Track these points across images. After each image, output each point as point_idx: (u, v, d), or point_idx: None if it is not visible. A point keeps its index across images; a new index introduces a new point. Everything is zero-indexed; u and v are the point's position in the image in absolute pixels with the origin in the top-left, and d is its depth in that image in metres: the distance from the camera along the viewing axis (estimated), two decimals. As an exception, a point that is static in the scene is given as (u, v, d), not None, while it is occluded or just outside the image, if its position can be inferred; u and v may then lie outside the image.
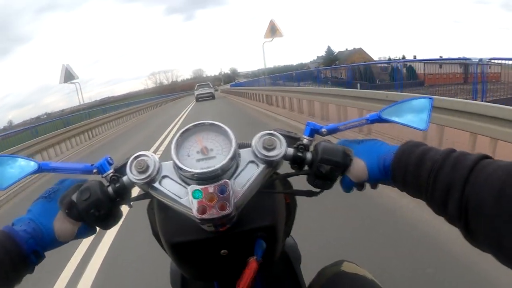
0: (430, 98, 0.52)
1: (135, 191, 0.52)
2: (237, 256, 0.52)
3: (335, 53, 61.37)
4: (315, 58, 68.61)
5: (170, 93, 53.86)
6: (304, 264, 0.74)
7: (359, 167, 0.48)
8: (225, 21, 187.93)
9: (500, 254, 0.32)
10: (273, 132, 0.49)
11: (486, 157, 0.37)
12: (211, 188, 0.45)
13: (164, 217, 0.53)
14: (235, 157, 0.46)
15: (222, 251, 0.52)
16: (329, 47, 64.50)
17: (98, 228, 0.51)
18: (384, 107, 0.51)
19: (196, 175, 0.45)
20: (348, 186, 0.50)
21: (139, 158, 0.48)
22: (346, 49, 62.05)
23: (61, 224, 0.47)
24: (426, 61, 9.40)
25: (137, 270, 2.27)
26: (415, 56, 32.00)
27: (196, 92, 26.36)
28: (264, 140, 0.48)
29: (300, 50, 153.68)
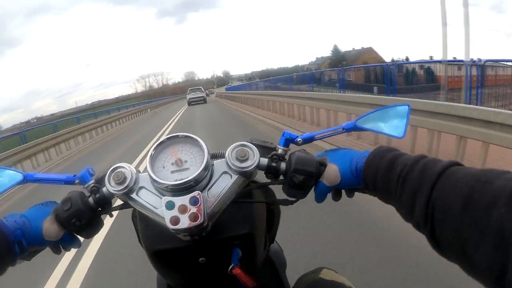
0: (407, 106, 0.54)
1: (117, 201, 0.55)
2: (215, 264, 0.55)
3: (342, 53, 59.59)
4: (314, 59, 67.96)
5: (160, 96, 52.74)
6: (289, 270, 0.78)
7: (332, 171, 0.51)
8: (217, 24, 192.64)
9: (465, 262, 0.33)
10: (246, 143, 0.52)
11: (456, 164, 0.39)
12: (183, 199, 0.47)
13: (144, 225, 0.57)
14: (207, 168, 0.49)
15: (200, 259, 0.55)
16: (335, 46, 61.87)
17: (81, 240, 0.55)
18: (360, 116, 0.54)
19: (170, 187, 0.48)
20: (322, 193, 0.53)
21: (117, 170, 0.51)
22: (353, 48, 60.27)
23: (49, 225, 0.51)
24: (450, 62, 7.89)
25: (124, 278, 2.30)
26: (431, 57, 30.06)
27: (188, 96, 27.66)
28: (237, 151, 0.51)
29: (295, 52, 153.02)
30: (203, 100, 26.78)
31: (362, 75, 12.55)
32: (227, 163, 0.51)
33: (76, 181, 0.56)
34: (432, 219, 0.36)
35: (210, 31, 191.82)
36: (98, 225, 0.55)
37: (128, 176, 0.51)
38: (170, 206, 0.47)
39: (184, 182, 0.47)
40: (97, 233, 0.55)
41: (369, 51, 57.26)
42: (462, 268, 0.33)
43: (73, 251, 2.67)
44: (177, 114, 18.50)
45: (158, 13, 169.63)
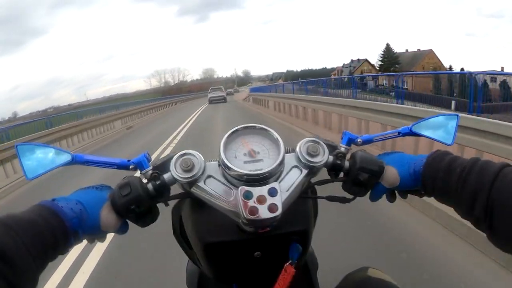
0: (456, 115, 0.60)
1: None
2: (270, 259, 0.59)
3: (396, 54, 53.82)
4: (348, 61, 63.93)
5: (176, 94, 49.53)
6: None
7: (392, 174, 0.57)
8: (239, 23, 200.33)
9: None
10: (316, 139, 0.57)
11: (508, 165, 0.45)
12: (262, 189, 0.50)
13: (198, 217, 0.59)
14: (283, 162, 0.53)
15: (256, 253, 0.58)
16: (388, 45, 55.98)
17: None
18: (415, 122, 0.60)
19: (245, 176, 0.50)
20: (378, 194, 0.59)
21: (185, 157, 0.53)
22: (407, 50, 54.95)
23: (107, 213, 0.52)
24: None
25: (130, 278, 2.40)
26: (502, 68, 27.96)
27: (209, 95, 31.10)
28: (309, 146, 0.55)
29: (321, 54, 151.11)
30: (224, 99, 30.15)
31: (427, 84, 10.38)
32: (297, 158, 0.55)
33: (131, 166, 0.56)
34: (491, 216, 0.42)
35: (231, 31, 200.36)
36: (156, 213, 0.56)
37: (197, 164, 0.53)
38: (248, 196, 0.49)
39: (261, 173, 0.50)
40: (153, 222, 0.56)
41: (429, 54, 50.34)
42: None
43: (75, 253, 2.74)
44: (179, 131, 11.28)
45: (180, 10, 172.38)
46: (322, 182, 0.61)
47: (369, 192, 0.59)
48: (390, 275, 0.71)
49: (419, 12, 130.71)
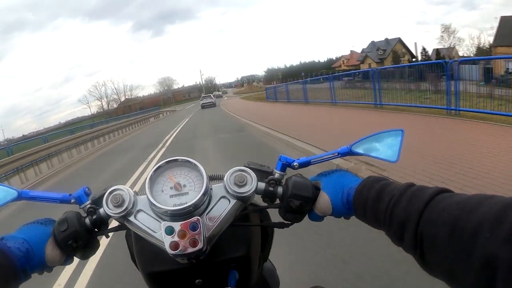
0: (401, 130, 0.59)
1: (113, 221, 0.59)
2: (212, 286, 0.59)
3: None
4: (344, 52, 59.63)
5: (123, 113, 43.99)
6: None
7: (324, 202, 0.56)
8: (196, 34, 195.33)
9: (453, 283, 0.37)
10: (244, 168, 0.57)
11: (443, 191, 0.43)
12: (182, 225, 0.51)
13: (140, 247, 0.61)
14: (206, 193, 0.54)
15: (197, 280, 0.59)
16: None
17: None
18: (355, 141, 0.59)
19: (169, 211, 0.51)
20: (314, 219, 0.58)
21: (115, 192, 0.54)
22: (373, 41, 50.61)
23: (51, 250, 0.54)
24: None
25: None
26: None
27: (201, 102, 37.08)
28: (236, 176, 0.55)
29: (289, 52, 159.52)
30: (213, 104, 34.68)
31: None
32: (225, 188, 0.55)
33: (72, 201, 0.58)
34: (421, 245, 0.40)
35: (189, 42, 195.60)
36: (94, 246, 0.59)
37: (126, 199, 0.54)
38: (169, 231, 0.50)
39: (183, 208, 0.51)
40: (93, 254, 0.59)
41: (398, 43, 48.83)
42: (450, 287, 0.38)
43: (72, 267, 2.79)
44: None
45: (134, 26, 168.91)
46: (256, 210, 0.62)
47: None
48: None
49: (370, 6, 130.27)
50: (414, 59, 46.05)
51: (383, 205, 0.46)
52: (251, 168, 0.57)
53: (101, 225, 0.56)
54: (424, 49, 47.23)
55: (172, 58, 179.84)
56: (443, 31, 43.63)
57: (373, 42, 54.20)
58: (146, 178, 0.55)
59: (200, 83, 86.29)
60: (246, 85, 78.97)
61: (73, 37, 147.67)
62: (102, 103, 73.44)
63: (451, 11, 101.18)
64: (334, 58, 71.11)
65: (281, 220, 0.60)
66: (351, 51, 63.28)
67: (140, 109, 46.62)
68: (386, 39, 52.01)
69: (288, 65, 76.62)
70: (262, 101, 25.48)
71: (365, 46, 55.69)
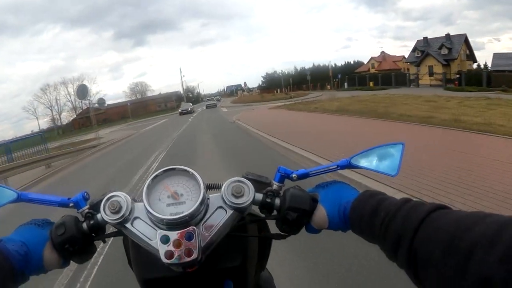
0: (401, 144, 0.58)
1: (111, 226, 0.60)
2: None
3: None
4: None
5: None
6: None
7: (320, 216, 0.56)
8: (177, 44, 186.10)
9: None
10: (241, 179, 0.57)
11: (440, 207, 0.42)
12: (178, 234, 0.51)
13: (136, 253, 0.61)
14: (203, 203, 0.54)
15: None
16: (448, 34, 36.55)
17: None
18: (355, 154, 0.59)
19: (165, 220, 0.52)
20: (311, 231, 0.58)
21: (113, 199, 0.55)
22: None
23: (49, 253, 0.54)
24: None
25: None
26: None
27: (206, 103, 44.37)
28: (233, 187, 0.55)
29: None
30: (215, 106, 41.13)
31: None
32: (222, 198, 0.55)
33: (70, 205, 0.59)
34: (415, 263, 0.40)
35: (170, 52, 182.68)
36: (91, 251, 0.59)
37: (124, 206, 0.54)
38: (165, 240, 0.51)
39: (180, 217, 0.51)
40: (90, 258, 0.60)
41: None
42: None
43: (72, 267, 2.78)
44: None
45: (115, 34, 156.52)
46: (253, 221, 0.62)
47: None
48: None
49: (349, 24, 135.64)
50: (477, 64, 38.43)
51: (378, 221, 0.46)
52: (249, 179, 0.57)
53: (98, 230, 0.57)
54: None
55: (152, 68, 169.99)
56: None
57: (425, 38, 39.82)
58: (144, 186, 0.55)
59: (179, 90, 73.55)
60: (240, 93, 76.63)
61: (51, 44, 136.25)
62: (52, 113, 56.30)
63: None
64: (352, 62, 62.37)
65: (278, 231, 0.60)
66: (382, 52, 53.47)
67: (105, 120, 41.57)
68: (448, 34, 38.20)
69: (299, 68, 70.08)
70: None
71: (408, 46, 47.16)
